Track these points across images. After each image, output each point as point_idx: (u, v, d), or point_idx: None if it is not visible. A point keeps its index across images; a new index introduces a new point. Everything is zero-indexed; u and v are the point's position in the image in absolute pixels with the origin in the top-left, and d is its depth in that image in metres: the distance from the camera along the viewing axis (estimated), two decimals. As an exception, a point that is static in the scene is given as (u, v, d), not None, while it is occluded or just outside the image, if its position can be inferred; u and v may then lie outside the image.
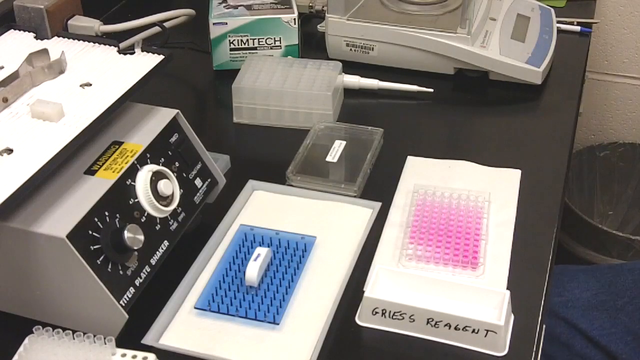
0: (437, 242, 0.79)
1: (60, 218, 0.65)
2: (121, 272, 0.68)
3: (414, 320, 0.70)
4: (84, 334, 0.64)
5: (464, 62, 1.07)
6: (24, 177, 0.63)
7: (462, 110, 1.05)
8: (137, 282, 0.69)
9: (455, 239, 0.79)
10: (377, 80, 1.06)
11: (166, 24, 1.14)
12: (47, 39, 0.85)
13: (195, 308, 0.73)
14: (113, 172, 0.70)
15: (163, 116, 0.78)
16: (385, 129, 0.96)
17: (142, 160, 0.73)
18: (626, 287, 0.99)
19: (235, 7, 1.10)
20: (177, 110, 0.79)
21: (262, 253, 0.75)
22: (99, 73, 0.78)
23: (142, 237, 0.69)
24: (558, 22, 1.20)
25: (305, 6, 1.20)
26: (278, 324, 0.71)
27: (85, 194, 0.68)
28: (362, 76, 1.06)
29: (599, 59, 1.56)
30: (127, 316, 0.67)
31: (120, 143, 0.74)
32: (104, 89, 0.75)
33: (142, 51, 0.81)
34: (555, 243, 0.82)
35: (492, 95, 1.07)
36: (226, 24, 1.08)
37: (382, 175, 0.90)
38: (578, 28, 1.23)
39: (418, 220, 0.81)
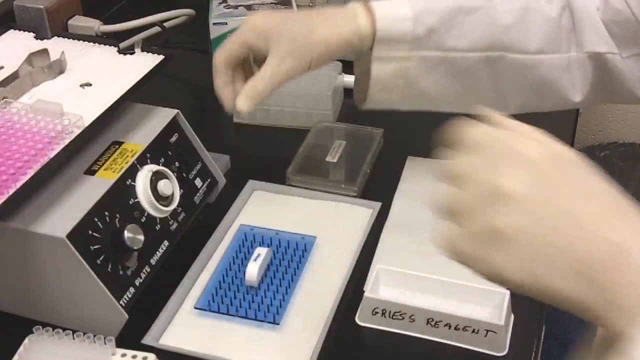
0: (437, 242, 0.78)
1: (60, 218, 0.65)
2: (121, 272, 0.68)
3: (414, 320, 0.70)
4: (84, 334, 0.64)
5: (464, 62, 1.07)
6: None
7: (462, 110, 1.05)
8: (137, 282, 0.69)
9: (455, 239, 0.79)
10: (377, 80, 1.06)
11: (166, 24, 1.14)
12: (47, 39, 0.85)
13: (195, 308, 0.73)
14: (113, 172, 0.70)
15: (163, 116, 0.78)
16: (385, 129, 0.96)
17: (142, 160, 0.73)
18: None
19: (235, 7, 1.10)
20: (177, 110, 0.79)
21: (262, 253, 0.75)
22: (99, 73, 0.78)
23: (142, 237, 0.69)
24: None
25: (305, 6, 1.19)
26: (278, 324, 0.71)
27: (85, 194, 0.68)
28: (362, 76, 1.06)
29: (599, 59, 1.56)
30: (127, 316, 0.67)
31: (120, 143, 0.74)
32: (104, 89, 0.75)
33: (142, 51, 0.81)
34: (555, 243, 0.81)
35: (492, 95, 1.06)
36: (226, 24, 1.07)
37: (382, 175, 0.90)
38: (578, 28, 1.22)
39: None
